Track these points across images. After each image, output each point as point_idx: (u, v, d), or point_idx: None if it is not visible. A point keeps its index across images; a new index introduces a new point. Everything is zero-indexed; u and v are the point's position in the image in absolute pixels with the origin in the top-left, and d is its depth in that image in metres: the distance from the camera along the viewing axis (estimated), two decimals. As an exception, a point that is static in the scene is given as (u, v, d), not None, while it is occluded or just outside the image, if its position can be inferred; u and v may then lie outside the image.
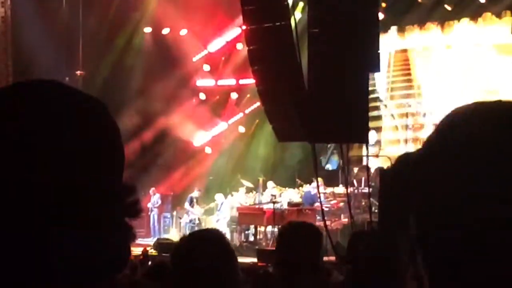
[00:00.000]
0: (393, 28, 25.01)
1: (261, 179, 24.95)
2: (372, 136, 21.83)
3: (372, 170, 20.24)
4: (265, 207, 22.11)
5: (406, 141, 24.92)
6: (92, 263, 1.15)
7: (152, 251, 19.54)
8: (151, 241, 22.78)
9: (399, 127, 25.28)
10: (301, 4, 22.51)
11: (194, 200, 24.74)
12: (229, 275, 2.78)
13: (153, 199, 25.70)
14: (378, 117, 25.43)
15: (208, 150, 29.28)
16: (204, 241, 2.87)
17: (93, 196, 1.15)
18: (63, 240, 1.11)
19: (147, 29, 27.61)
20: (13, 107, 1.14)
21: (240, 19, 18.51)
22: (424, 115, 24.84)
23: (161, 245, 20.41)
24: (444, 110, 23.49)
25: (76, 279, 1.14)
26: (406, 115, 25.03)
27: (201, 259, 2.75)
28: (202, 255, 2.76)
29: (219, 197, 24.33)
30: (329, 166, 25.88)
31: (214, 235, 2.98)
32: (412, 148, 24.52)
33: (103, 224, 1.16)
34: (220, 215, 23.72)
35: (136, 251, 19.41)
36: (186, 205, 24.92)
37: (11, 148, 1.10)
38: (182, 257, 2.85)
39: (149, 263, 12.53)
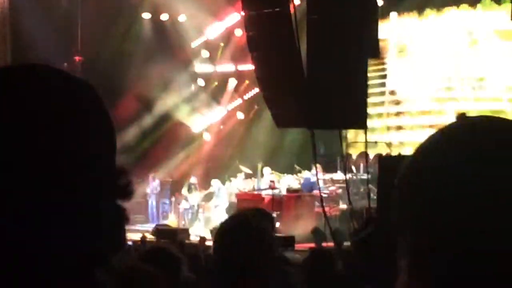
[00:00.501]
0: (393, 15, 24.93)
1: (259, 165, 24.95)
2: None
3: (371, 157, 20.28)
4: (263, 193, 22.13)
5: (399, 128, 24.87)
6: (86, 247, 1.15)
7: (150, 237, 19.56)
8: (149, 227, 22.79)
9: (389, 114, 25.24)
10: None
11: (192, 187, 24.75)
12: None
13: (153, 185, 25.71)
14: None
15: (206, 136, 29.29)
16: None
17: (85, 178, 1.15)
18: (53, 225, 1.11)
19: (146, 15, 27.54)
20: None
21: (239, 5, 18.45)
22: (414, 102, 24.80)
23: (159, 231, 20.43)
24: (435, 96, 23.46)
25: (69, 264, 1.14)
26: (398, 102, 24.98)
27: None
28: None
29: (215, 183, 24.35)
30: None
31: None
32: (403, 134, 24.51)
33: (95, 206, 1.16)
34: (218, 201, 23.73)
35: (134, 237, 19.45)
36: (184, 191, 24.93)
37: None
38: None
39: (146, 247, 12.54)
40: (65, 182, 1.12)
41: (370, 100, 19.86)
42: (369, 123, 16.21)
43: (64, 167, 1.12)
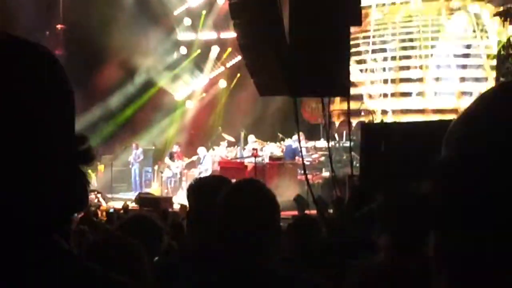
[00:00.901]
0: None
1: (242, 133, 24.97)
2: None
3: (354, 124, 20.32)
4: (246, 161, 22.16)
5: (386, 95, 24.95)
6: (49, 209, 1.17)
7: (133, 205, 19.58)
8: (132, 195, 22.82)
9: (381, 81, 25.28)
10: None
11: (174, 155, 24.73)
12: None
13: (135, 153, 25.67)
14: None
15: (189, 104, 29.24)
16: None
17: (43, 143, 1.16)
18: (12, 188, 1.13)
19: (128, -18, 27.33)
20: None
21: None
22: (408, 68, 24.86)
23: (142, 199, 20.43)
24: (427, 64, 23.49)
25: (29, 226, 1.16)
26: (385, 69, 25.03)
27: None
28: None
29: (201, 150, 24.33)
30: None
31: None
32: (392, 102, 24.60)
33: (54, 170, 1.18)
34: (201, 168, 23.73)
35: (117, 205, 19.48)
36: (166, 160, 24.92)
37: None
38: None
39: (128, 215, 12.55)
40: (24, 147, 1.14)
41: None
42: (352, 90, 16.19)
43: (22, 132, 1.14)
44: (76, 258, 1.24)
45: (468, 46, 23.84)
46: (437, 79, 24.11)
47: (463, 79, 23.62)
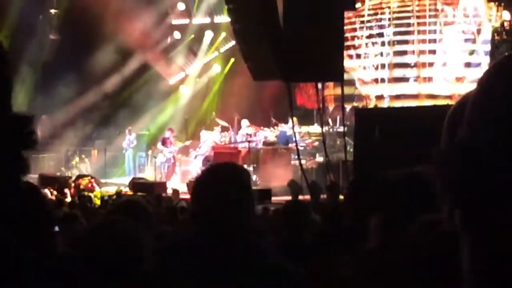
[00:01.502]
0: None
1: (236, 118, 24.94)
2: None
3: (347, 109, 20.33)
4: (240, 146, 22.16)
5: (381, 80, 24.93)
6: None
7: (127, 190, 19.58)
8: (126, 180, 22.80)
9: (375, 66, 25.26)
10: None
11: (167, 141, 24.68)
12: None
13: (129, 139, 25.64)
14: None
15: (183, 89, 29.19)
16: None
17: None
18: None
19: (121, -34, 27.20)
20: None
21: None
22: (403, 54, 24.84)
23: (136, 184, 20.44)
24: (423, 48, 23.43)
25: None
26: (381, 54, 25.00)
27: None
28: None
29: (204, 134, 24.30)
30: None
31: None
32: (387, 88, 24.60)
33: None
34: (199, 151, 23.71)
35: (111, 190, 19.48)
36: (159, 145, 24.88)
37: None
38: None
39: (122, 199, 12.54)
40: None
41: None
42: (346, 75, 16.19)
43: None
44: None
45: (463, 32, 23.80)
46: (431, 64, 24.09)
47: (457, 65, 23.61)
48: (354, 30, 25.27)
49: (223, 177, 2.90)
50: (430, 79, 23.99)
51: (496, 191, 0.99)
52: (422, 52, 24.24)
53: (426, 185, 2.84)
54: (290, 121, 19.48)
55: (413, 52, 24.39)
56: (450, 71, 23.60)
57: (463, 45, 23.69)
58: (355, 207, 4.84)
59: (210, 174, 2.97)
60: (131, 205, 3.85)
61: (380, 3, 25.11)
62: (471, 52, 23.53)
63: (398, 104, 23.35)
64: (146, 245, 2.83)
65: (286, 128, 22.37)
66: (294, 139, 18.47)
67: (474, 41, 23.50)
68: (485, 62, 22.04)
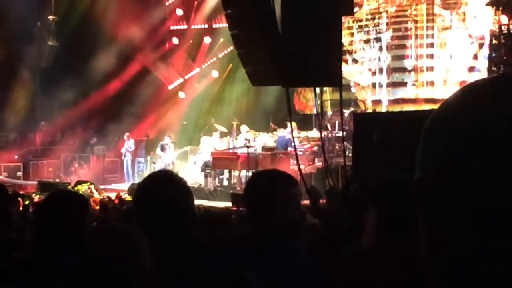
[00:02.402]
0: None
1: (235, 124, 24.94)
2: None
3: (346, 114, 20.32)
4: (239, 151, 22.14)
5: (379, 85, 24.95)
6: None
7: (126, 196, 19.57)
8: (125, 186, 22.80)
9: (373, 71, 25.28)
10: None
11: (166, 147, 24.70)
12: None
13: (127, 144, 25.65)
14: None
15: (181, 94, 29.20)
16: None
17: None
18: None
19: (119, -28, 27.24)
20: None
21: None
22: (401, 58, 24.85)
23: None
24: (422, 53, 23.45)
25: None
26: (379, 58, 25.02)
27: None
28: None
29: (204, 140, 24.31)
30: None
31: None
32: (385, 92, 24.63)
33: None
34: (199, 157, 23.72)
35: (110, 196, 19.46)
36: (158, 151, 24.90)
37: None
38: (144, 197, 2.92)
39: (124, 207, 12.56)
40: None
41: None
42: (344, 80, 16.23)
43: None
44: None
45: (461, 36, 23.81)
46: (430, 68, 24.11)
47: (456, 69, 23.61)
48: (352, 35, 25.31)
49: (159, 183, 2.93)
50: (428, 83, 24.01)
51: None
52: (420, 56, 24.27)
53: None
54: (289, 125, 19.48)
55: (410, 56, 24.41)
56: (447, 75, 23.61)
57: (462, 50, 23.70)
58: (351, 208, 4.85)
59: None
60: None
61: (378, 8, 25.13)
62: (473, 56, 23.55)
63: (396, 108, 23.36)
64: (147, 253, 2.84)
65: (284, 132, 22.37)
66: (293, 143, 18.47)
67: (473, 45, 23.52)
68: (483, 67, 22.05)
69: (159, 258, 2.68)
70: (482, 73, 21.85)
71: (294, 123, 19.24)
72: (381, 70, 24.88)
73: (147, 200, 2.88)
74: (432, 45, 24.18)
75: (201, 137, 24.68)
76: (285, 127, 22.37)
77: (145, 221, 2.84)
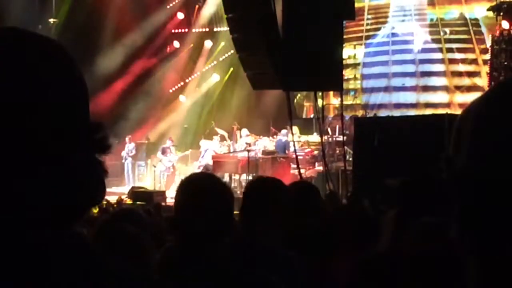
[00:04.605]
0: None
1: (235, 127, 24.95)
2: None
3: (347, 118, 20.33)
4: (239, 155, 22.14)
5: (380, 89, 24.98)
6: (61, 199, 1.17)
7: (126, 199, 19.56)
8: (125, 189, 22.78)
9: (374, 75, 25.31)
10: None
11: (167, 150, 24.70)
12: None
13: (128, 147, 25.64)
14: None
15: (182, 98, 29.21)
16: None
17: (59, 130, 1.17)
18: (28, 176, 1.13)
19: (120, -25, 27.26)
20: None
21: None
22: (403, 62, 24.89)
23: (135, 193, 20.43)
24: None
25: (44, 217, 1.15)
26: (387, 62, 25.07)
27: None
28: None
29: (203, 143, 24.32)
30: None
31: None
32: (391, 96, 24.64)
33: (71, 159, 1.18)
34: (202, 161, 23.73)
35: (111, 199, 19.46)
36: (159, 154, 24.90)
37: None
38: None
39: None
40: (41, 134, 1.14)
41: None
42: (345, 84, 16.25)
43: (38, 120, 1.14)
44: (93, 252, 1.24)
45: (462, 41, 23.84)
46: (429, 73, 24.15)
47: (456, 74, 23.64)
48: (354, 39, 25.33)
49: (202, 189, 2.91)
50: (427, 88, 24.05)
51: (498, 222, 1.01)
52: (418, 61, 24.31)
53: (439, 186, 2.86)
54: (285, 129, 19.48)
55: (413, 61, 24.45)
56: (447, 80, 23.64)
57: (461, 55, 23.74)
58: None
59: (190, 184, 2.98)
60: (129, 214, 3.85)
61: (380, 11, 25.18)
62: (470, 62, 23.57)
63: (397, 113, 23.38)
64: (152, 252, 2.85)
65: (280, 136, 22.40)
66: (293, 146, 18.47)
67: (473, 50, 23.55)
68: (483, 71, 22.08)
69: (190, 258, 2.69)
70: (482, 78, 21.89)
71: (297, 128, 19.26)
72: (383, 75, 24.93)
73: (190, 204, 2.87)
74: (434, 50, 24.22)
75: (201, 141, 24.68)
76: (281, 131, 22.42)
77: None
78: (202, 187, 2.88)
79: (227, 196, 2.89)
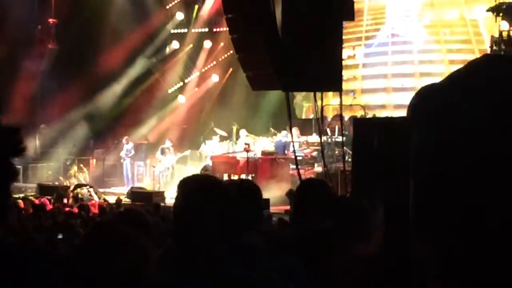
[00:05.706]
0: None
1: (234, 128, 24.94)
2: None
3: (346, 119, 20.32)
4: (238, 155, 22.13)
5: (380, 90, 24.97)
6: None
7: (125, 200, 19.56)
8: (124, 190, 22.78)
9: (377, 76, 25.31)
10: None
11: (167, 151, 24.69)
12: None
13: (126, 148, 25.61)
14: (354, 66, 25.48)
15: (181, 98, 29.20)
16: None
17: None
18: None
19: (120, -25, 27.24)
20: None
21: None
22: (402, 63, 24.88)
23: (134, 194, 20.43)
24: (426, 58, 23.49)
25: None
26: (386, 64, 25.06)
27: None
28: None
29: (202, 144, 24.33)
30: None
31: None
32: (390, 97, 24.64)
33: None
34: (204, 162, 23.76)
35: (110, 199, 19.47)
36: (158, 154, 24.89)
37: None
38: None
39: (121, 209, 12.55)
40: None
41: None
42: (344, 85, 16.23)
43: None
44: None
45: (462, 41, 23.84)
46: (428, 74, 24.15)
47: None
48: (354, 39, 25.33)
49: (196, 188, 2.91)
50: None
51: None
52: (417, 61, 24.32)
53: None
54: (286, 129, 19.47)
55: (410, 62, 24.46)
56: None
57: (460, 56, 23.73)
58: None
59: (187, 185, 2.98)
60: (131, 214, 3.85)
61: (380, 12, 25.19)
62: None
63: (396, 113, 23.37)
64: (149, 253, 2.84)
65: (280, 136, 22.39)
66: (292, 146, 18.44)
67: (472, 51, 23.56)
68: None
69: (190, 259, 2.69)
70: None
71: (297, 129, 19.24)
72: (383, 76, 24.93)
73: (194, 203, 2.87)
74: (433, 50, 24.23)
75: (202, 144, 24.75)
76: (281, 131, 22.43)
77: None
78: (201, 188, 2.87)
79: (226, 197, 2.89)
